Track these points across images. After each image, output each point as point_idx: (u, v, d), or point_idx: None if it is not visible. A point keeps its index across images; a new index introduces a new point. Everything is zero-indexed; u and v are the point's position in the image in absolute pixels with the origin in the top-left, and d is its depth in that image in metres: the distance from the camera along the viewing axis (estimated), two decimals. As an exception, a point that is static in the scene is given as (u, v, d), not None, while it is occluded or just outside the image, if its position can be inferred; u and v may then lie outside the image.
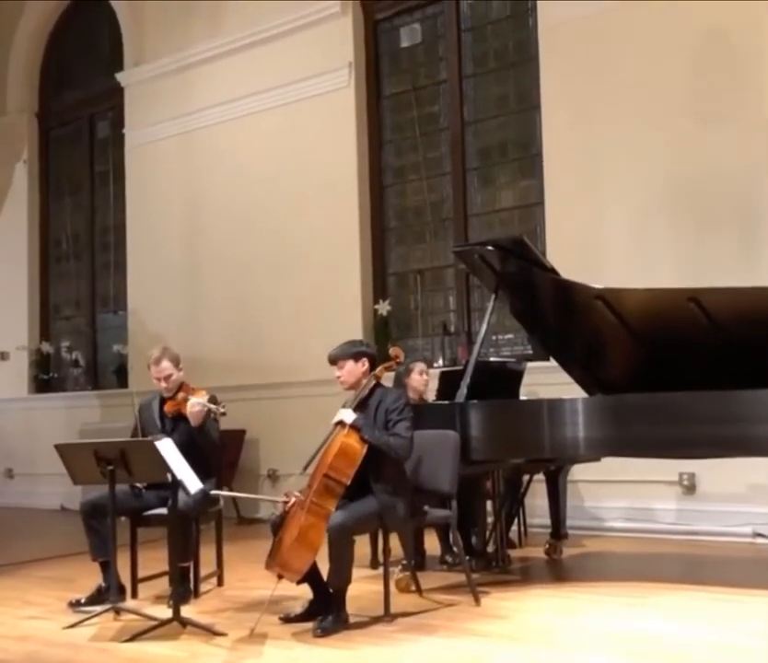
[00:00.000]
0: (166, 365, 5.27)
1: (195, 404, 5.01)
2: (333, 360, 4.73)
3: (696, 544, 6.37)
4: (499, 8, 8.12)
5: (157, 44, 9.85)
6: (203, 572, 5.32)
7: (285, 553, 4.34)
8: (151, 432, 5.16)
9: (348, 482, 4.40)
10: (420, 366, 6.27)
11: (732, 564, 5.87)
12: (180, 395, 5.20)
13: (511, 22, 8.04)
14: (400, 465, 4.63)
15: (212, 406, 4.99)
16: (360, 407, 4.62)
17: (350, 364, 4.68)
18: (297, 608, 4.59)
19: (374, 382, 4.69)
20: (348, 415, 4.52)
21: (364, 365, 4.69)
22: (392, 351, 4.84)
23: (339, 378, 4.72)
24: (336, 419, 4.56)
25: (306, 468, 4.54)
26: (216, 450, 5.31)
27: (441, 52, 8.41)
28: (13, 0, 10.98)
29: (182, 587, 4.99)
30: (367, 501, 4.46)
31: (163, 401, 5.32)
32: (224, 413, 4.97)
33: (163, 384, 5.29)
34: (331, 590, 4.44)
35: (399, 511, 4.55)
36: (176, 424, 5.18)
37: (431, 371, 6.57)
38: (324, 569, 4.42)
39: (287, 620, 4.52)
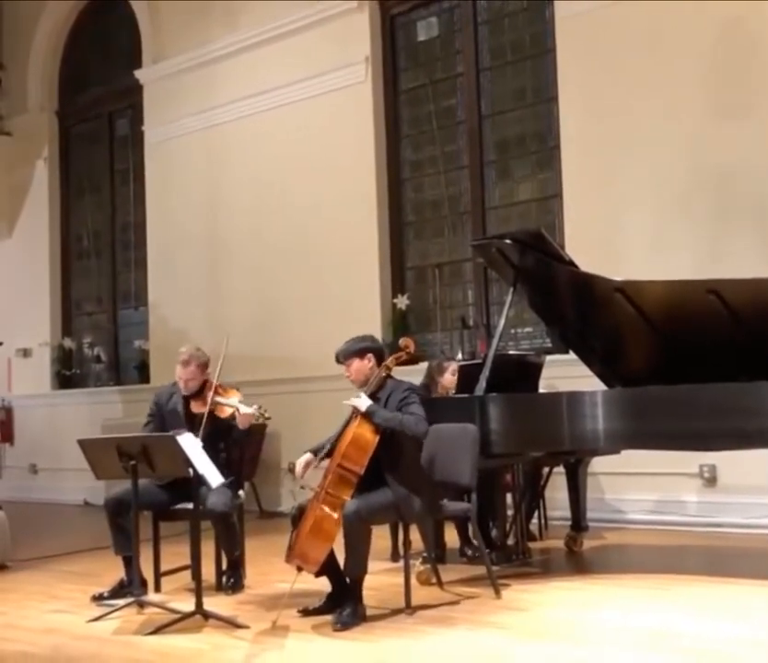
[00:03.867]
0: (192, 370, 5.34)
1: (247, 412, 5.11)
2: (339, 359, 4.77)
3: (717, 536, 6.35)
4: (515, 1, 8.09)
5: (176, 41, 9.90)
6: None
7: (302, 544, 4.40)
8: (175, 425, 5.22)
9: (362, 472, 4.44)
10: (453, 366, 6.34)
11: (753, 555, 5.85)
12: (210, 395, 5.22)
13: (527, 15, 8.01)
14: (415, 456, 4.67)
15: (259, 412, 5.12)
16: (371, 399, 4.65)
17: (356, 362, 4.72)
18: (316, 601, 4.63)
19: (384, 374, 4.73)
20: (362, 402, 4.56)
21: (370, 360, 4.72)
22: (402, 341, 4.87)
23: (348, 376, 4.77)
24: (350, 403, 4.61)
25: (321, 458, 4.59)
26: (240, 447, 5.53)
27: (458, 45, 8.40)
28: (33, 0, 11.08)
29: (236, 574, 5.23)
30: (383, 491, 4.50)
31: (186, 398, 5.37)
32: (269, 418, 5.16)
33: (182, 384, 5.37)
34: (347, 580, 4.47)
35: (414, 502, 4.57)
36: (204, 423, 5.15)
37: (451, 365, 6.60)
38: (342, 560, 4.45)
39: (306, 613, 4.56)
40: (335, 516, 4.36)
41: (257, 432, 8.41)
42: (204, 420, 5.11)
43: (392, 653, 3.97)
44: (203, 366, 5.39)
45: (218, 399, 5.21)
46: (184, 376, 5.34)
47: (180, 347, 5.53)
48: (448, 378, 6.25)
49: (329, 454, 4.60)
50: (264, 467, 8.65)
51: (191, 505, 4.86)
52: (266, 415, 5.14)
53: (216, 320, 9.22)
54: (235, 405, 5.16)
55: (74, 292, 11.24)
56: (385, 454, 4.51)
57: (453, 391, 6.26)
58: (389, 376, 4.75)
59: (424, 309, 8.53)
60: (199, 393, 5.33)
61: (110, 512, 5.09)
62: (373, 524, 4.51)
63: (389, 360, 4.76)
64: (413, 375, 5.27)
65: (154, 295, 10.08)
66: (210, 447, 4.90)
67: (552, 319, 6.25)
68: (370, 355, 4.73)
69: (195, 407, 5.28)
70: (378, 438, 4.48)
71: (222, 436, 5.26)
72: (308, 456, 4.69)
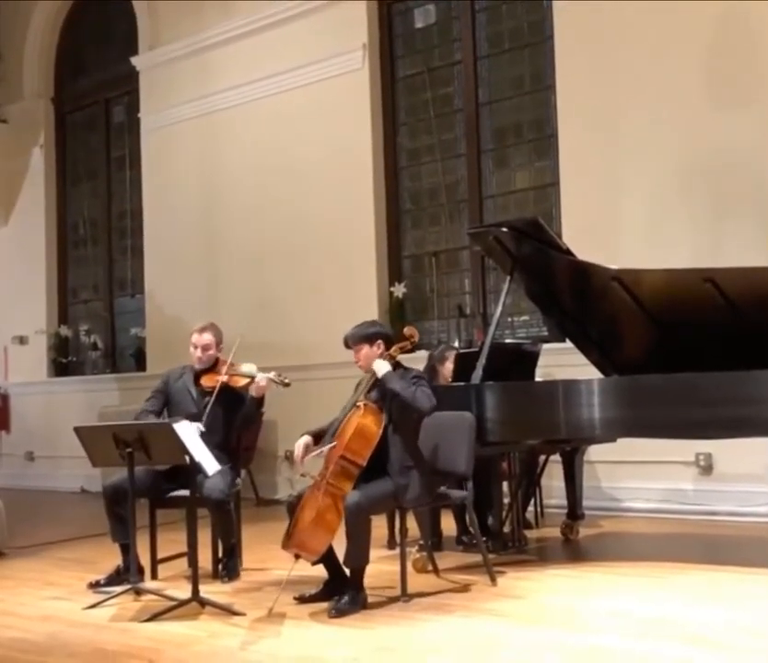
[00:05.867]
0: (208, 337, 5.35)
1: (263, 377, 5.11)
2: (348, 344, 4.76)
3: (713, 524, 6.37)
4: (513, -11, 8.08)
5: (172, 28, 9.86)
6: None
7: (303, 534, 4.39)
8: (183, 402, 5.25)
9: (364, 464, 4.44)
10: (455, 355, 6.31)
11: (749, 543, 5.87)
12: (224, 368, 5.21)
13: (525, 2, 7.98)
14: (414, 444, 4.67)
15: (278, 378, 5.12)
16: (376, 387, 4.65)
17: (365, 348, 4.70)
18: (313, 588, 4.64)
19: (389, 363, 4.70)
20: (381, 366, 4.57)
21: (379, 347, 4.71)
22: (407, 330, 4.86)
23: (357, 362, 4.75)
24: (372, 370, 4.63)
25: (322, 448, 4.58)
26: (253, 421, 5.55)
27: (455, 33, 8.38)
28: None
29: (232, 562, 5.22)
30: (383, 481, 4.50)
31: (197, 375, 5.35)
32: (289, 384, 5.15)
33: (198, 354, 5.33)
34: (348, 570, 4.47)
35: (413, 491, 4.57)
36: (221, 396, 5.13)
37: (447, 353, 6.59)
38: (340, 549, 4.45)
39: (303, 600, 4.57)
40: (337, 507, 4.35)
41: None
42: (217, 389, 5.08)
43: (389, 640, 3.98)
44: (219, 337, 5.39)
45: (233, 369, 5.18)
46: (200, 342, 5.32)
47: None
48: (449, 367, 6.24)
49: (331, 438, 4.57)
50: (261, 455, 8.63)
51: (187, 493, 4.86)
52: (285, 381, 5.11)
53: (213, 308, 9.20)
54: (252, 373, 5.14)
55: (70, 280, 11.22)
56: (386, 444, 4.51)
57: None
58: (397, 365, 4.74)
59: (421, 298, 8.52)
60: (211, 369, 5.31)
61: (107, 499, 5.08)
62: (373, 514, 4.51)
63: (393, 349, 4.74)
64: (411, 363, 5.25)
65: (150, 282, 10.07)
66: (222, 423, 4.88)
67: (549, 308, 6.25)
68: (380, 342, 4.71)
69: (206, 381, 5.25)
70: (381, 429, 4.48)
71: (234, 411, 5.22)
72: (307, 438, 4.66)
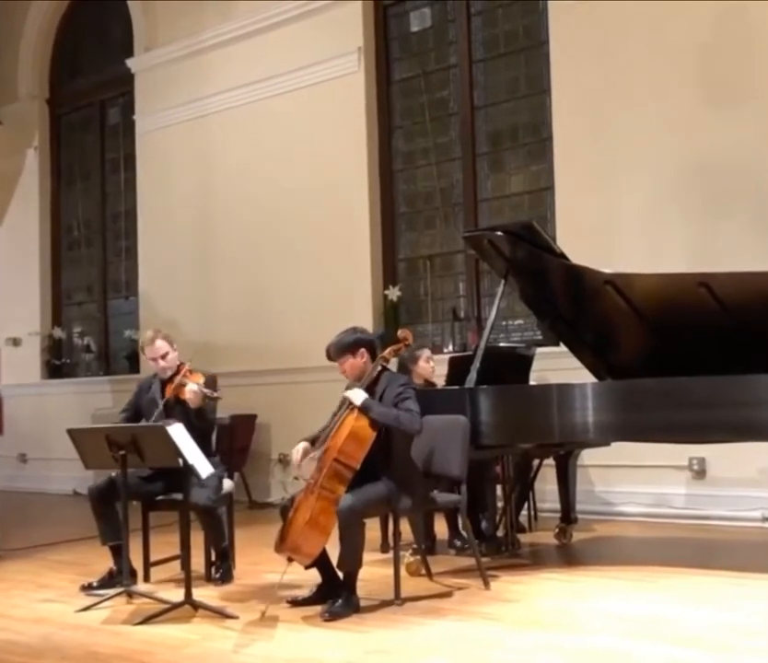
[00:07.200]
0: (160, 343, 5.28)
1: (192, 389, 5.03)
2: (331, 357, 4.73)
3: (706, 529, 6.38)
4: (509, -8, 8.09)
5: (168, 30, 9.85)
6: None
7: (297, 537, 4.38)
8: (151, 413, 5.18)
9: (358, 466, 4.42)
10: (426, 353, 6.30)
11: (741, 547, 5.88)
12: (177, 378, 5.15)
13: (521, 6, 7.99)
14: (406, 450, 4.65)
15: (207, 391, 5.01)
16: (366, 392, 4.62)
17: (349, 359, 4.66)
18: (306, 591, 4.63)
19: (380, 367, 4.69)
20: (357, 396, 4.52)
21: (363, 356, 4.67)
22: (400, 333, 4.84)
23: (343, 373, 4.73)
24: (347, 398, 4.55)
25: (319, 447, 4.57)
26: (212, 430, 5.35)
27: (451, 36, 8.38)
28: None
29: (225, 565, 5.21)
30: (377, 485, 4.49)
31: (163, 384, 5.31)
32: (218, 398, 5.04)
33: (161, 363, 5.28)
34: (341, 574, 4.46)
35: (407, 497, 4.58)
36: (176, 407, 5.12)
37: (441, 357, 6.59)
38: (334, 553, 4.45)
39: (296, 603, 4.56)
40: (331, 510, 4.34)
41: (247, 423, 8.42)
42: (163, 402, 5.08)
43: (382, 643, 3.97)
44: (168, 338, 5.32)
45: (182, 380, 5.12)
46: (156, 353, 5.24)
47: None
48: (423, 366, 6.21)
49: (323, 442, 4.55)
50: (254, 457, 8.64)
51: (181, 496, 4.84)
52: (214, 395, 5.02)
53: (207, 310, 9.22)
54: (186, 384, 5.06)
55: (64, 281, 11.19)
56: (377, 448, 4.49)
57: (431, 378, 6.24)
58: (385, 368, 4.72)
59: (416, 301, 8.53)
60: (173, 378, 5.26)
61: (93, 502, 5.08)
62: (367, 517, 4.50)
63: (388, 352, 4.71)
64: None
65: (144, 284, 10.05)
66: (189, 432, 4.86)
67: (543, 312, 6.26)
68: (363, 351, 4.67)
69: (168, 391, 5.21)
70: (375, 433, 4.46)
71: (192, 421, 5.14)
72: (305, 444, 4.62)
